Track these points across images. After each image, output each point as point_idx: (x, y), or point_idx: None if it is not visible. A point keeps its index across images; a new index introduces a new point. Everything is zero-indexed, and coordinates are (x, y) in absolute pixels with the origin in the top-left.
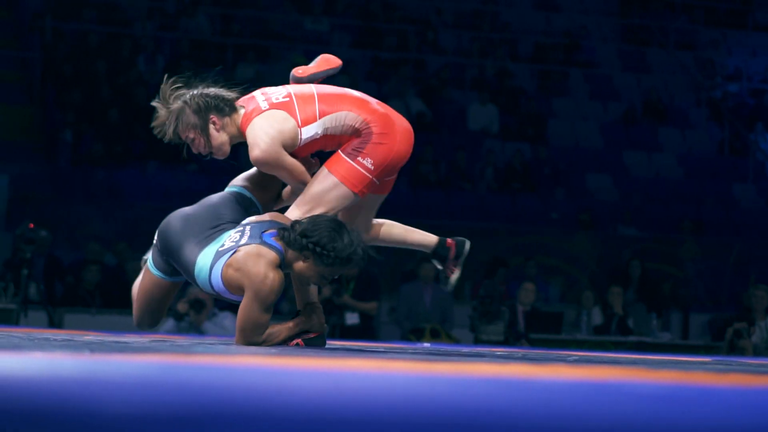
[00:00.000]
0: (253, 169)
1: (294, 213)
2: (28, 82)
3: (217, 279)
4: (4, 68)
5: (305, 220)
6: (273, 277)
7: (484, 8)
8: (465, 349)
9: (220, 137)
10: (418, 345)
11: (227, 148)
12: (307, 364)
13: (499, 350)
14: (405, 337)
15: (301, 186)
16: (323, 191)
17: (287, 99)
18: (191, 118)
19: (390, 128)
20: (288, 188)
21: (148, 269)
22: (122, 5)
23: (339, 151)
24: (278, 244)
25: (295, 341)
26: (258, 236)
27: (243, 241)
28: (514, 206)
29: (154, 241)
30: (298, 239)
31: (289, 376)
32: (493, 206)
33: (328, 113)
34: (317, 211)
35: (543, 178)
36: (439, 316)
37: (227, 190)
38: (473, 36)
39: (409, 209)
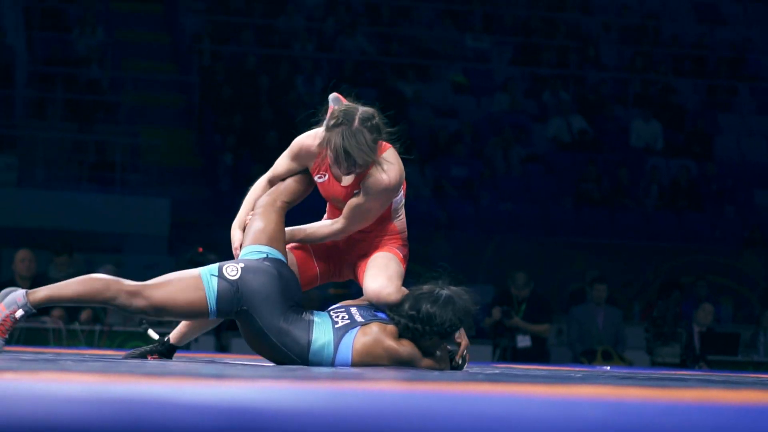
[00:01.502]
0: (263, 225)
1: (390, 289)
2: (187, 105)
3: (347, 355)
4: (164, 92)
5: (421, 311)
6: (402, 350)
7: (647, 23)
8: (657, 373)
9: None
10: (599, 368)
11: None
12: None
13: (697, 374)
14: (577, 360)
15: (353, 227)
16: (399, 270)
17: None
18: (370, 140)
19: None
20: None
21: (206, 295)
22: (280, 27)
23: (397, 250)
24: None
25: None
26: (372, 315)
27: (359, 319)
28: (681, 224)
29: (235, 278)
30: (426, 330)
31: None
32: (659, 224)
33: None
34: (400, 282)
35: (710, 196)
36: (612, 338)
37: (264, 253)
38: (635, 51)
39: (573, 228)
